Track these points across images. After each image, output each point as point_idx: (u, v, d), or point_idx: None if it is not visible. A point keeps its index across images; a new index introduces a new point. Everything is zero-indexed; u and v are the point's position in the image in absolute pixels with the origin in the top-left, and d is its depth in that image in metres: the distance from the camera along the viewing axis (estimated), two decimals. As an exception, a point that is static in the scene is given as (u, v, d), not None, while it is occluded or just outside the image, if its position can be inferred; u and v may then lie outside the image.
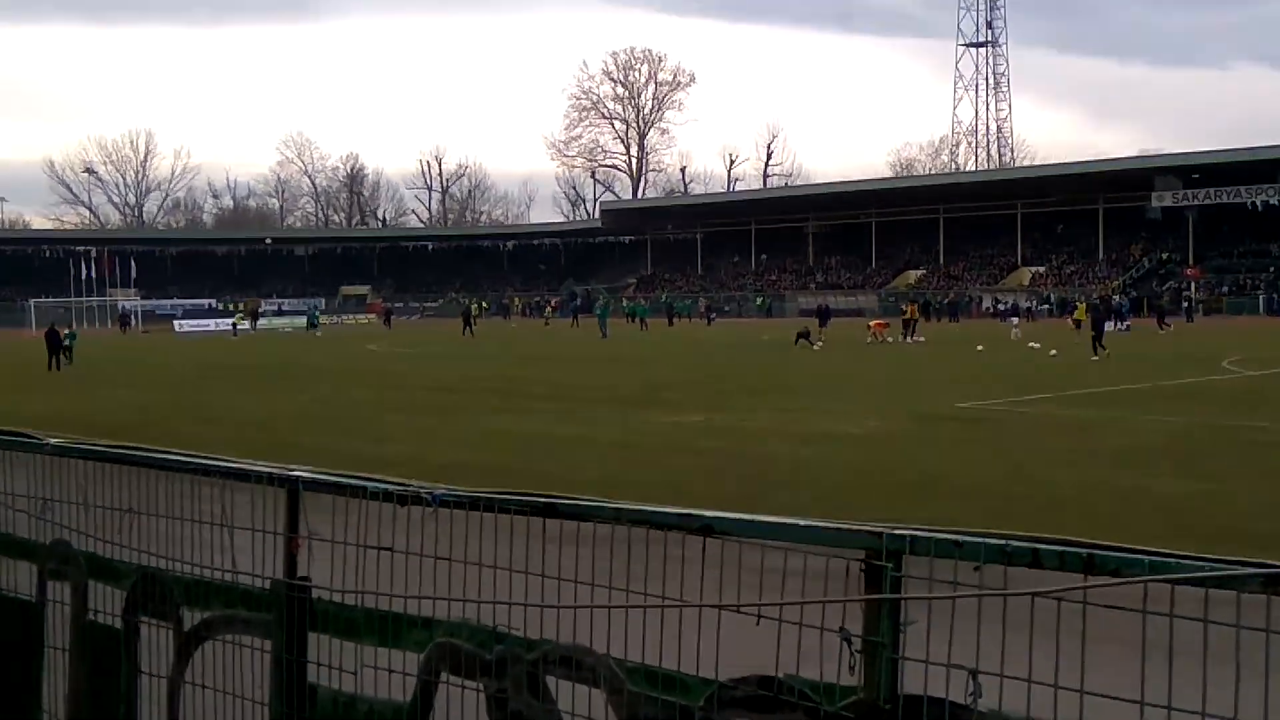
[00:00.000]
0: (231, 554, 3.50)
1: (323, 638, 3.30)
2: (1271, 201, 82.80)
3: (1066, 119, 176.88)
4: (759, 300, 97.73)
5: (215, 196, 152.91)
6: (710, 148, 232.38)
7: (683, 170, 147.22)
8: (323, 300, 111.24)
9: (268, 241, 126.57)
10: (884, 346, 45.73)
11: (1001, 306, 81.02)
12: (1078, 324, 44.65)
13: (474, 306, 78.41)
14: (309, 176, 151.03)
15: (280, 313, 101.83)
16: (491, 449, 17.34)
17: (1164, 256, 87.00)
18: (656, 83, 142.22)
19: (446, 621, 3.04)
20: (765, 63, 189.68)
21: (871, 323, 51.53)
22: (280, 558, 3.38)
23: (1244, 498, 12.42)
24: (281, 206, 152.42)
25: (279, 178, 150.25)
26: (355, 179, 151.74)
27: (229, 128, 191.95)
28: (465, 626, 3.00)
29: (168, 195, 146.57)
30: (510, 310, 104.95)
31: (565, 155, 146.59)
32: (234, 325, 75.11)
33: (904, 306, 54.28)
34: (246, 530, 3.46)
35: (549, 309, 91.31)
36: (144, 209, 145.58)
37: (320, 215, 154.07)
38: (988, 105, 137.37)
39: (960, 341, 47.24)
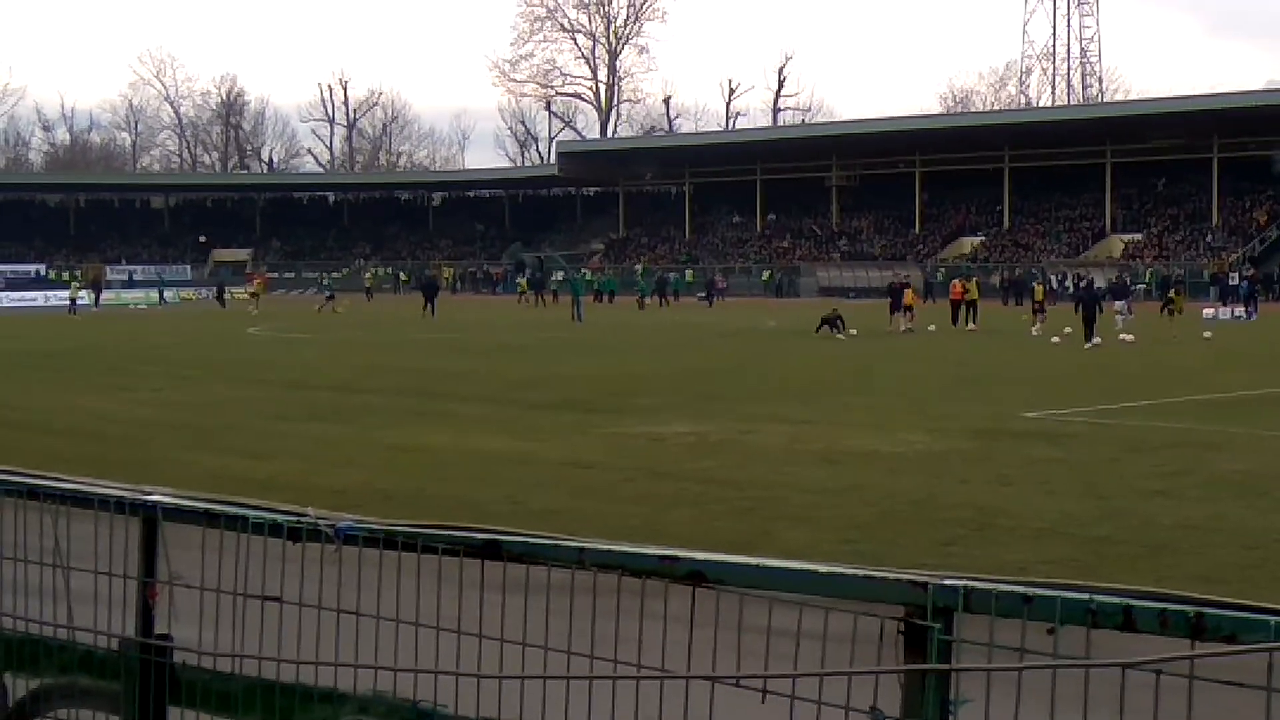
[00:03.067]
0: (68, 603, 3.49)
1: (189, 714, 3.29)
2: None
3: (1172, 39, 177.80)
4: (766, 274, 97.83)
5: (46, 129, 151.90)
6: (704, 73, 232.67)
7: (666, 102, 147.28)
8: (188, 267, 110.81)
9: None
10: (923, 340, 45.86)
11: (1077, 285, 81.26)
12: (1168, 308, 45.13)
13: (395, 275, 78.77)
14: (171, 104, 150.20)
15: (131, 283, 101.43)
16: (408, 468, 17.30)
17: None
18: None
19: (356, 695, 3.03)
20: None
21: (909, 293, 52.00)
22: (132, 609, 3.37)
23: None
24: (134, 143, 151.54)
25: (131, 105, 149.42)
26: (232, 108, 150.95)
27: (66, 39, 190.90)
28: (383, 701, 3.00)
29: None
30: (439, 283, 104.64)
31: (512, 80, 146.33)
32: (72, 300, 75.38)
33: (959, 284, 54.53)
34: (87, 572, 3.45)
35: (523, 282, 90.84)
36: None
37: (186, 155, 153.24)
38: (1069, 20, 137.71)
39: (1025, 331, 47.41)
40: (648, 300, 77.20)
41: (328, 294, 76.02)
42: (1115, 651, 2.18)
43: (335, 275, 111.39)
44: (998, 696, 2.31)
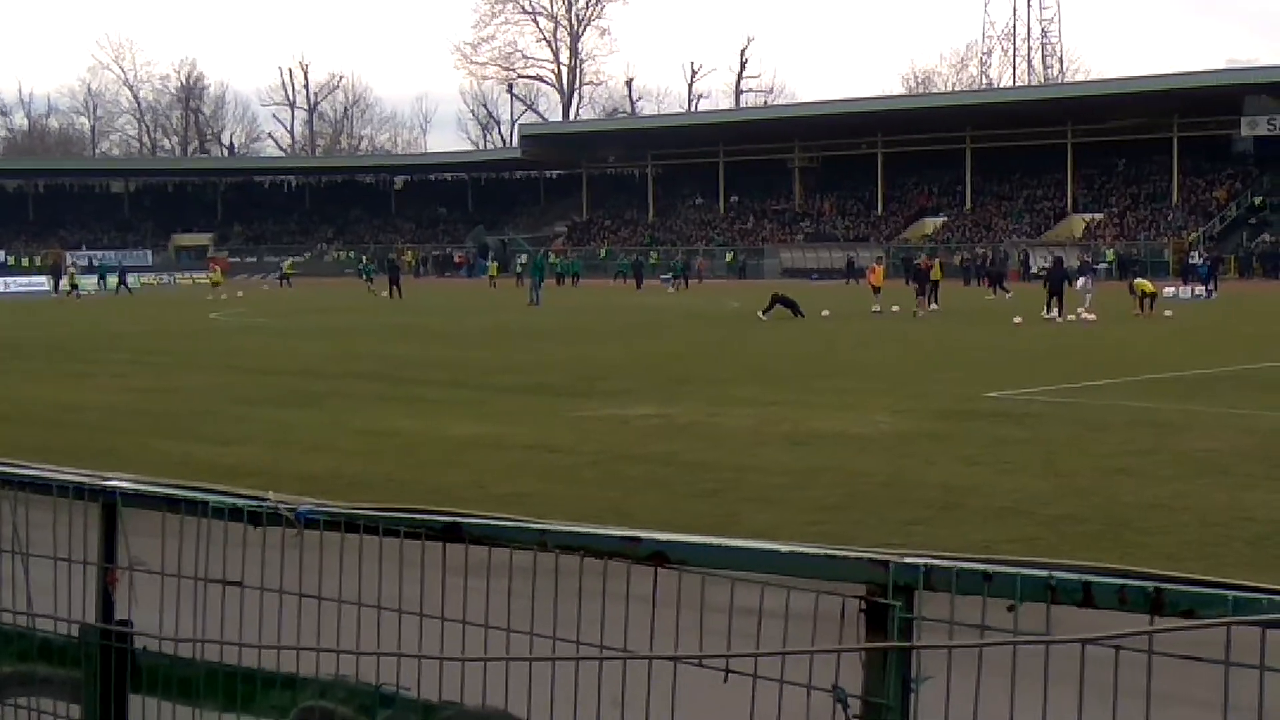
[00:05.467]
0: (26, 590, 3.47)
1: (149, 701, 3.28)
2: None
3: (1131, 19, 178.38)
4: (729, 256, 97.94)
5: (4, 114, 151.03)
6: (666, 55, 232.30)
7: (629, 84, 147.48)
8: (149, 252, 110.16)
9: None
10: (887, 321, 46.03)
11: (1044, 266, 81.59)
12: (1144, 297, 45.16)
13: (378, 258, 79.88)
14: (130, 88, 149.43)
15: (91, 268, 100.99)
16: (373, 453, 17.26)
17: (1256, 201, 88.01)
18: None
19: (316, 679, 3.03)
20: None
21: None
22: (92, 596, 3.36)
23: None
24: (93, 128, 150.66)
25: (90, 89, 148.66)
26: (192, 92, 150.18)
27: (23, 23, 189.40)
28: (342, 686, 2.99)
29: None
30: (400, 267, 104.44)
31: (473, 63, 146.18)
32: (74, 286, 76.76)
33: (923, 263, 54.93)
34: (46, 559, 3.43)
35: (494, 266, 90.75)
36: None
37: (146, 140, 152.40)
38: (1029, 1, 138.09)
39: (990, 313, 47.62)
40: (674, 282, 78.92)
41: (365, 276, 76.50)
42: (1075, 628, 2.19)
43: (295, 259, 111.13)
44: (959, 673, 2.31)
